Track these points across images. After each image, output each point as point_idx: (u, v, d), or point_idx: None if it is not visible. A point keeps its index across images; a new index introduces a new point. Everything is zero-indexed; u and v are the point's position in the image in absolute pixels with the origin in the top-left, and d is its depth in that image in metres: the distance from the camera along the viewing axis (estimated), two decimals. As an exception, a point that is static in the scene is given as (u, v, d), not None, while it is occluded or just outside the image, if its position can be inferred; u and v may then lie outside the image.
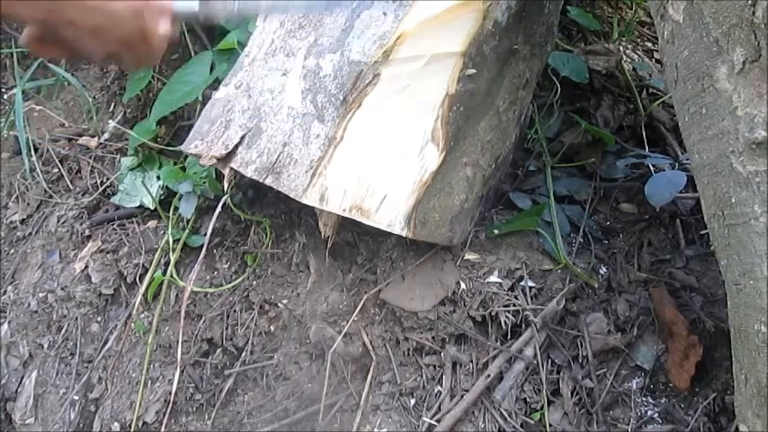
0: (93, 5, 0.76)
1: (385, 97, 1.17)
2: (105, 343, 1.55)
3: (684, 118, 0.95)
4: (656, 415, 1.22)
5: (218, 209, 1.33)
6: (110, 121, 1.87)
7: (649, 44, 2.10)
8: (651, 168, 1.56)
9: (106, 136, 1.90)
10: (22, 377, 1.59)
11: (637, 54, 2.04)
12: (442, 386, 1.31)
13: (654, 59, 2.04)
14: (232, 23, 1.57)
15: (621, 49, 1.97)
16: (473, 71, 1.19)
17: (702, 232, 1.43)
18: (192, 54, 1.73)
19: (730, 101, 0.83)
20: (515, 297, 1.33)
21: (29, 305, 1.64)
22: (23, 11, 0.73)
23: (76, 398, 1.50)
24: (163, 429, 1.40)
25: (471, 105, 1.24)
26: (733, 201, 0.86)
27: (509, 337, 1.32)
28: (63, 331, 1.59)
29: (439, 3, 1.16)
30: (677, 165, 1.52)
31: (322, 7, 1.03)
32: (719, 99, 0.85)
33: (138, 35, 0.82)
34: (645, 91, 1.84)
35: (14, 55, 1.97)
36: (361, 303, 1.37)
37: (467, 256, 1.37)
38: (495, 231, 1.40)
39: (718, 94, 0.85)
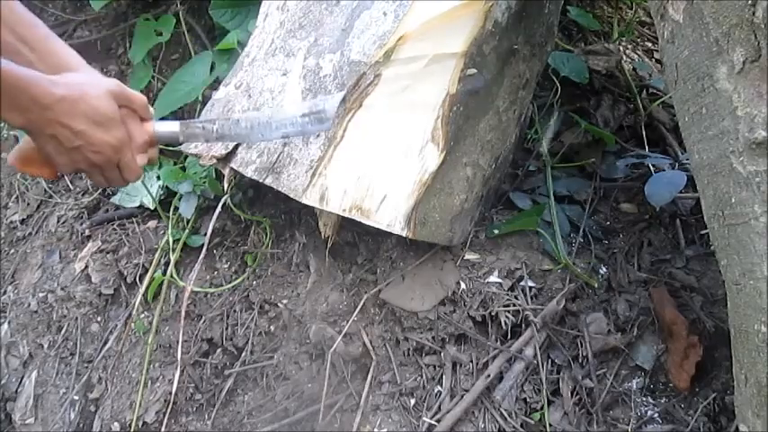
0: (80, 129, 0.79)
1: (385, 97, 1.17)
2: (105, 343, 1.55)
3: (684, 118, 0.95)
4: (656, 415, 1.22)
5: (218, 209, 1.33)
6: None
7: (649, 44, 2.10)
8: (651, 168, 1.56)
9: (106, 136, 1.89)
10: (22, 377, 1.59)
11: (637, 54, 2.04)
12: (442, 386, 1.31)
13: (654, 59, 2.04)
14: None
15: (621, 49, 1.98)
16: (474, 71, 1.19)
17: (702, 232, 1.43)
18: (192, 54, 1.74)
19: (730, 101, 0.83)
20: (515, 297, 1.33)
21: (29, 305, 1.64)
22: (12, 117, 0.76)
23: (76, 398, 1.50)
24: (163, 429, 1.40)
25: (471, 105, 1.24)
26: (733, 201, 0.86)
27: (509, 337, 1.32)
28: (63, 331, 1.59)
29: (439, 3, 1.16)
30: (677, 165, 1.52)
31: (298, 131, 1.07)
32: (719, 99, 0.84)
33: (113, 165, 0.86)
34: (645, 91, 1.84)
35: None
36: (361, 303, 1.37)
37: (467, 256, 1.37)
38: (495, 231, 1.40)
39: (718, 94, 0.85)
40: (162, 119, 1.68)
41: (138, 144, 0.89)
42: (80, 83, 0.82)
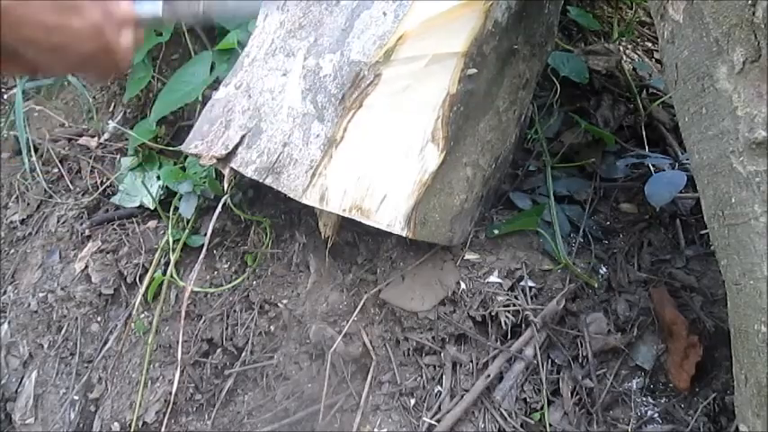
0: (52, 25, 0.73)
1: (386, 97, 1.17)
2: (105, 343, 1.55)
3: (684, 118, 0.95)
4: (656, 415, 1.22)
5: (219, 209, 1.33)
6: (110, 121, 1.87)
7: (649, 44, 2.10)
8: (651, 168, 1.56)
9: (106, 136, 1.90)
10: (22, 377, 1.59)
11: (637, 54, 2.04)
12: (442, 386, 1.31)
13: (654, 59, 2.04)
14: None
15: (621, 49, 1.98)
16: (474, 71, 1.19)
17: (702, 232, 1.43)
18: (192, 54, 1.73)
19: (730, 101, 0.83)
20: (515, 297, 1.33)
21: (29, 305, 1.64)
22: None
23: (76, 398, 1.50)
24: (163, 429, 1.40)
25: (471, 105, 1.24)
26: (733, 201, 0.86)
27: (509, 337, 1.32)
28: (63, 331, 1.59)
29: (440, 3, 1.16)
30: (677, 165, 1.52)
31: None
32: (719, 99, 0.85)
33: (101, 51, 0.79)
34: (645, 91, 1.84)
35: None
36: (361, 303, 1.37)
37: (467, 256, 1.37)
38: (495, 231, 1.40)
39: (718, 94, 0.85)
40: (162, 119, 1.69)
41: (119, 20, 0.82)
42: None
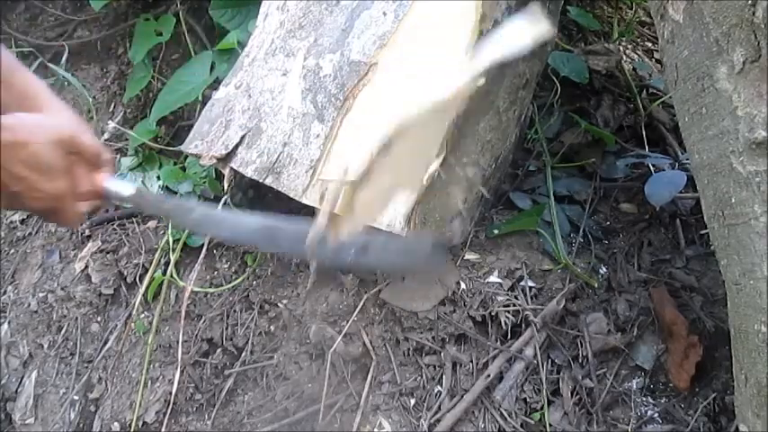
0: (19, 175, 0.76)
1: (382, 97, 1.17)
2: (105, 343, 1.55)
3: (684, 118, 0.95)
4: (656, 415, 1.22)
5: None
6: (110, 121, 1.87)
7: (649, 44, 2.10)
8: (651, 168, 1.56)
9: (106, 136, 1.90)
10: (22, 377, 1.59)
11: (637, 54, 2.04)
12: (441, 386, 1.31)
13: (654, 59, 2.04)
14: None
15: (621, 49, 1.98)
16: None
17: (702, 232, 1.43)
18: (192, 54, 1.74)
19: (730, 101, 0.83)
20: (515, 297, 1.33)
21: (29, 305, 1.64)
22: None
23: (76, 398, 1.50)
24: (163, 429, 1.40)
25: (471, 105, 1.24)
26: (733, 201, 0.86)
27: (509, 337, 1.32)
28: (63, 331, 1.59)
29: (439, 3, 1.16)
30: (677, 165, 1.53)
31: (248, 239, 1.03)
32: (719, 99, 0.85)
33: (52, 212, 0.82)
34: (645, 91, 1.84)
35: (15, 55, 1.97)
36: (361, 303, 1.36)
37: (467, 256, 1.37)
38: (495, 231, 1.40)
39: (718, 94, 0.85)
40: (162, 119, 1.69)
41: (81, 193, 0.84)
42: (28, 127, 0.78)
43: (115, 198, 0.91)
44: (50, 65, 1.90)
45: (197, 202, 1.16)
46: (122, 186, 0.90)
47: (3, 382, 1.58)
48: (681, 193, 1.43)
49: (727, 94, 0.83)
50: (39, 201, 0.79)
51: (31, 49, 1.96)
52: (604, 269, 1.40)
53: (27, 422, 1.52)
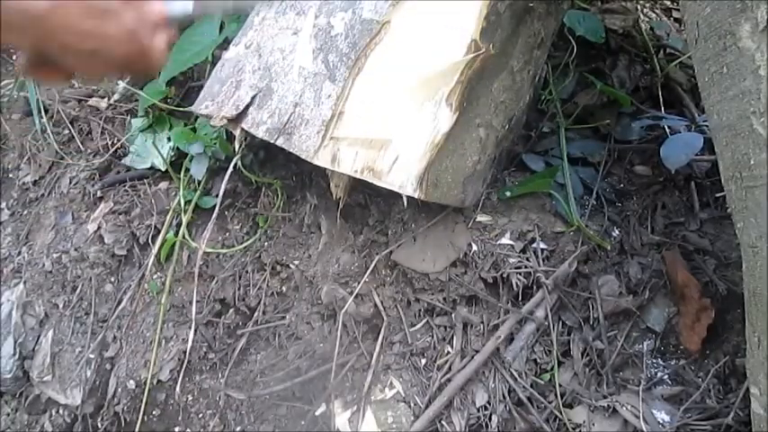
0: (87, 30, 0.72)
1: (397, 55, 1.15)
2: (119, 303, 1.57)
3: (704, 78, 0.93)
4: (666, 376, 1.23)
5: (230, 170, 1.33)
6: (119, 81, 1.86)
7: (668, 2, 2.05)
8: (667, 130, 1.54)
9: (116, 97, 1.89)
10: (39, 336, 1.61)
11: (654, 13, 1.99)
12: (452, 347, 1.32)
13: (672, 18, 1.99)
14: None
15: (639, 7, 1.93)
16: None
17: (717, 195, 1.42)
18: (202, 13, 1.71)
19: (753, 60, 0.81)
20: (527, 259, 1.33)
21: (43, 266, 1.65)
22: (14, 39, 0.70)
23: (92, 356, 1.53)
24: (177, 387, 1.43)
25: (485, 65, 1.22)
26: (752, 162, 0.84)
27: (520, 298, 1.32)
28: (77, 291, 1.61)
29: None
30: (694, 127, 1.50)
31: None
32: (742, 58, 0.82)
33: (137, 54, 0.79)
34: (662, 51, 1.80)
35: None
36: (373, 265, 1.37)
37: (479, 218, 1.37)
38: (508, 193, 1.39)
39: (740, 52, 0.82)
40: (172, 79, 1.68)
41: (153, 23, 0.84)
42: None
43: (179, 16, 0.88)
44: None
45: None
46: (181, 4, 0.88)
47: (20, 340, 1.60)
48: (696, 155, 1.41)
49: (749, 52, 0.81)
50: (119, 45, 0.76)
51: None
52: (617, 231, 1.39)
53: (45, 380, 1.55)
